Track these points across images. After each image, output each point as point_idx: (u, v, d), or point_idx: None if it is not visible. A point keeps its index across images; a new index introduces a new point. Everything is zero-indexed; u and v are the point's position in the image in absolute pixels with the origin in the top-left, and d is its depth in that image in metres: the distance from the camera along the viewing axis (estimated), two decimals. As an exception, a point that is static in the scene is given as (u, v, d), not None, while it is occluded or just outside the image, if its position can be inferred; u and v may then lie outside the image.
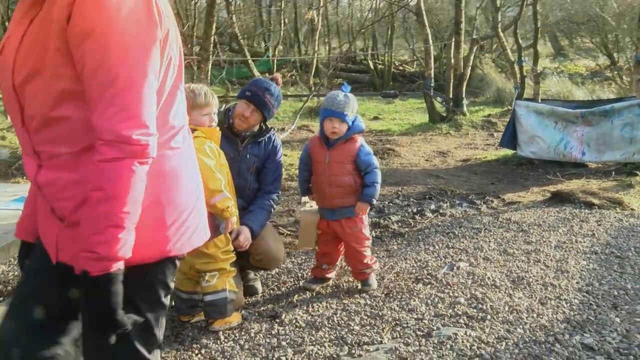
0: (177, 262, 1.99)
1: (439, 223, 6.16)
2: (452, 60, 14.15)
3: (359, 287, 4.42)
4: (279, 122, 13.74)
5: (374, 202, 4.29)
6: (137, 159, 1.66)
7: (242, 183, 4.07)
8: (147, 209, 1.78)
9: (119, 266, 1.68)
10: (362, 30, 23.56)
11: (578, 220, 6.14)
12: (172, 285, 2.01)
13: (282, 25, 21.57)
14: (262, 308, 4.11)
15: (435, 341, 3.61)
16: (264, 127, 4.22)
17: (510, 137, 9.39)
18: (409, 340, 3.63)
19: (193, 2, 14.93)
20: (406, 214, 6.48)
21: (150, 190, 1.79)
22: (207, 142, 3.62)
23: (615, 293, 4.32)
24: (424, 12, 13.61)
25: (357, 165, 4.23)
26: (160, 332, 1.99)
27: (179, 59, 1.87)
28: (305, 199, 4.57)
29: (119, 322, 1.72)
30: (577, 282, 4.52)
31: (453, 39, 14.15)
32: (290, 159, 9.19)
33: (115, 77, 1.64)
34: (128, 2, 1.66)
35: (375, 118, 14.83)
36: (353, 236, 4.32)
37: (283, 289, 4.46)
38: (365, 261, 4.35)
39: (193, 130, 3.66)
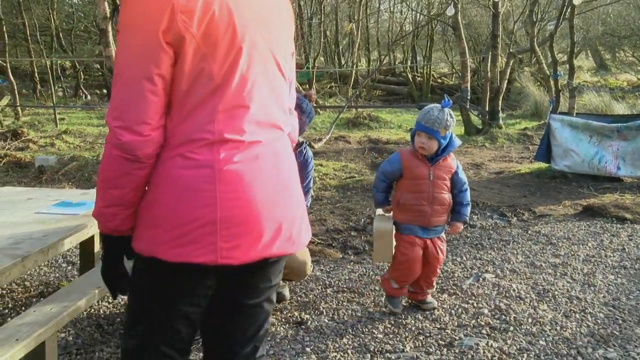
0: (183, 274, 1.92)
1: (468, 235, 6.14)
2: (489, 74, 14.08)
3: (422, 306, 4.27)
4: (317, 132, 13.78)
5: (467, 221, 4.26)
6: (119, 151, 1.79)
7: None
8: (147, 204, 1.90)
9: (109, 231, 1.94)
10: (398, 42, 23.55)
11: (609, 234, 6.08)
12: (162, 292, 1.97)
13: (322, 37, 21.68)
14: (289, 314, 4.15)
15: (457, 351, 3.62)
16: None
17: (545, 151, 9.28)
18: (431, 350, 3.64)
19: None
20: (437, 225, 6.48)
21: (153, 188, 1.88)
22: None
23: (642, 308, 4.28)
24: (461, 25, 13.56)
25: (452, 182, 4.08)
26: (139, 327, 2.02)
27: (224, 72, 1.84)
28: (379, 211, 4.33)
29: (105, 275, 2.05)
30: (604, 296, 4.48)
31: (490, 53, 14.08)
32: (325, 169, 9.23)
33: (117, 73, 1.80)
34: (141, 4, 1.76)
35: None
36: (440, 253, 4.14)
37: (310, 296, 4.49)
38: (434, 280, 4.26)
39: None
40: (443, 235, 4.19)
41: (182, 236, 1.83)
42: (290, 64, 2.19)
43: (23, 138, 11.29)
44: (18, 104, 15.02)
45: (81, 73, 20.27)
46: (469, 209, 4.17)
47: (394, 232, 4.14)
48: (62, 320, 3.05)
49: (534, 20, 11.76)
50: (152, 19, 1.74)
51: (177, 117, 1.85)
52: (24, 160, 9.45)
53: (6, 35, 16.65)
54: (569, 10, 10.11)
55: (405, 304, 4.30)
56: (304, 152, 4.26)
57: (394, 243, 4.16)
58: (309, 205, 4.40)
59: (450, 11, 12.84)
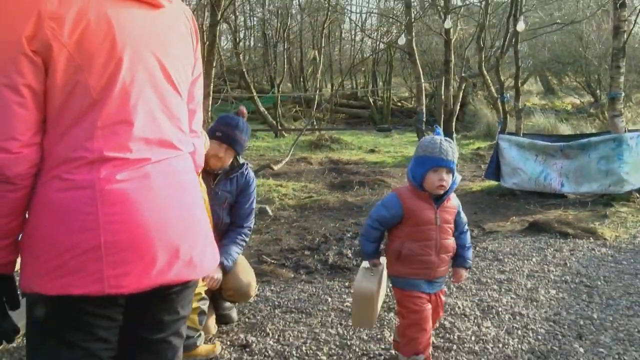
0: (71, 308, 1.63)
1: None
2: (443, 97, 14.04)
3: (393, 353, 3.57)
4: (281, 154, 13.56)
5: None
6: None
7: (215, 219, 3.87)
8: (27, 234, 1.63)
9: None
10: (358, 68, 23.56)
11: (552, 249, 5.93)
12: (56, 331, 1.66)
13: (286, 63, 21.58)
14: (235, 337, 3.91)
15: (399, 372, 3.41)
16: (235, 163, 4.02)
17: (495, 169, 9.21)
18: (373, 371, 3.43)
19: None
20: (389, 243, 6.27)
21: (31, 215, 1.62)
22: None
23: (582, 322, 4.11)
24: (415, 52, 13.49)
25: (455, 224, 3.34)
26: None
27: (103, 86, 1.60)
28: (365, 263, 3.58)
29: None
30: (545, 312, 4.30)
31: (443, 77, 14.05)
32: (285, 189, 9.02)
33: None
34: (4, 8, 1.53)
35: (371, 151, 14.65)
36: (440, 308, 3.46)
37: (258, 317, 4.25)
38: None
39: None
40: (444, 287, 3.53)
41: (62, 265, 1.56)
42: (196, 84, 1.97)
43: None
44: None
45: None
46: (471, 252, 3.50)
47: (393, 290, 3.48)
48: None
49: (482, 46, 11.71)
50: (15, 24, 1.50)
51: (54, 135, 1.60)
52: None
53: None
54: (513, 37, 10.05)
55: (351, 324, 4.08)
56: (246, 173, 4.02)
57: (379, 306, 3.56)
58: (251, 226, 4.14)
59: (401, 40, 12.79)
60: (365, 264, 3.58)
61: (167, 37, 1.78)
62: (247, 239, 4.05)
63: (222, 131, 3.78)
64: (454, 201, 3.34)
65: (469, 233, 3.44)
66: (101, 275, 1.57)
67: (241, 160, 4.03)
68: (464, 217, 3.42)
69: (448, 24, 12.74)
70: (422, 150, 3.21)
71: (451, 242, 3.29)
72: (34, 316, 1.68)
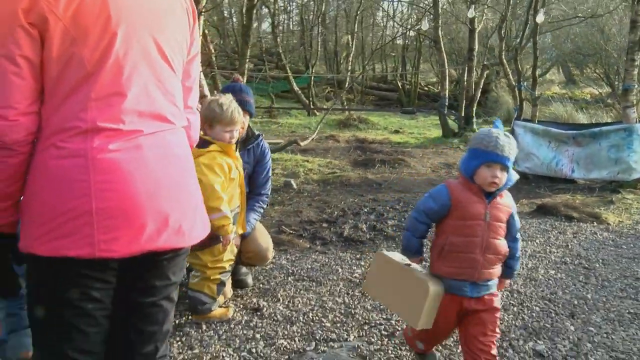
0: (66, 269, 1.62)
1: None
2: (465, 83, 13.86)
3: None
4: (311, 131, 13.51)
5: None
6: None
7: None
8: (26, 199, 1.64)
9: None
10: (388, 54, 23.28)
11: (556, 231, 5.83)
12: (52, 291, 1.66)
13: (321, 47, 21.46)
14: (248, 301, 3.91)
15: (397, 341, 3.38)
16: (250, 133, 3.99)
17: (509, 153, 9.09)
18: (373, 340, 3.40)
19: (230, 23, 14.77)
20: (402, 219, 6.21)
21: (30, 181, 1.63)
22: (219, 158, 3.40)
23: (576, 302, 4.04)
24: (441, 39, 13.30)
25: (507, 226, 2.84)
26: (44, 337, 1.72)
27: (97, 58, 1.59)
28: (397, 255, 3.03)
29: None
30: (542, 290, 4.23)
31: (467, 64, 13.85)
32: (310, 165, 8.99)
33: None
34: None
35: (396, 131, 14.55)
36: (492, 317, 2.80)
37: (272, 283, 4.26)
38: (493, 352, 2.77)
39: (209, 143, 3.46)
40: (495, 290, 2.87)
41: (56, 229, 1.56)
42: (193, 63, 1.94)
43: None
44: None
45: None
46: (519, 263, 3.01)
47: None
48: None
49: (502, 36, 11.50)
50: None
51: (51, 105, 1.59)
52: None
53: None
54: (533, 28, 9.85)
55: (358, 294, 4.06)
56: (261, 144, 4.00)
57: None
58: (268, 193, 4.11)
59: (425, 25, 12.59)
60: (397, 256, 3.03)
61: (163, 16, 1.75)
62: (264, 206, 4.07)
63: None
64: (507, 199, 2.85)
65: (520, 242, 2.95)
66: (92, 239, 1.57)
67: (256, 132, 4.01)
68: (517, 222, 2.90)
69: (472, 13, 12.51)
70: (476, 142, 2.76)
71: (501, 243, 2.78)
72: (31, 276, 1.69)
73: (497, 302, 2.83)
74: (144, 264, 1.72)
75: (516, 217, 2.87)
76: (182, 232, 1.73)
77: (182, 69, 1.88)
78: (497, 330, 2.82)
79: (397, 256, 2.99)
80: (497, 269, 2.81)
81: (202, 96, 5.51)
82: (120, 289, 1.76)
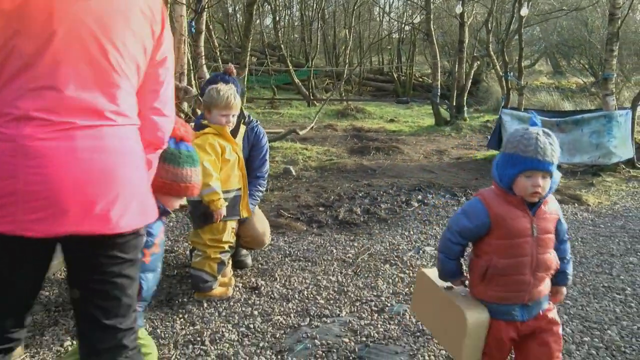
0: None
1: (420, 212, 5.89)
2: (456, 74, 13.82)
3: None
4: (311, 121, 13.48)
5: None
6: None
7: None
8: None
9: None
10: (385, 47, 23.17)
11: (539, 213, 5.83)
12: None
13: (320, 41, 21.38)
14: (247, 280, 3.94)
15: (386, 317, 3.41)
16: (240, 115, 3.95)
17: (497, 140, 9.08)
18: (363, 315, 3.43)
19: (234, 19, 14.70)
20: (395, 203, 6.21)
21: None
22: (211, 139, 3.48)
23: (555, 279, 4.05)
24: (433, 32, 13.25)
25: (555, 232, 2.37)
26: None
27: (35, 51, 1.63)
28: (434, 277, 2.60)
29: None
30: (524, 269, 4.25)
31: (457, 56, 13.81)
32: (309, 152, 8.97)
33: None
34: None
35: (391, 120, 14.49)
36: (555, 335, 2.36)
37: (270, 263, 4.27)
38: None
39: (206, 126, 3.53)
40: (549, 304, 2.42)
41: None
42: (161, 67, 1.94)
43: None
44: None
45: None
46: (572, 265, 2.54)
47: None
48: None
49: (489, 29, 11.46)
50: None
51: None
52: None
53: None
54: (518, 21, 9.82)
55: (351, 273, 4.08)
56: (255, 128, 3.97)
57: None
58: (265, 176, 4.04)
59: (458, 9, 12.51)
60: (434, 277, 2.62)
61: (113, 21, 1.76)
62: (262, 189, 4.02)
63: None
64: (552, 204, 2.36)
65: (569, 243, 2.49)
66: (14, 218, 1.62)
67: (245, 112, 3.97)
68: (564, 224, 2.44)
69: (459, 9, 12.46)
70: (512, 146, 2.25)
71: (551, 256, 2.32)
72: None
73: (555, 315, 2.40)
74: (88, 245, 1.76)
75: (563, 220, 2.42)
76: (108, 218, 1.73)
77: (142, 73, 1.88)
78: (561, 345, 2.41)
79: (455, 296, 2.47)
80: (548, 283, 2.38)
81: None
82: (71, 268, 1.84)
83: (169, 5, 7.37)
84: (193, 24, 7.24)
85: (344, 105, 15.78)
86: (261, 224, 4.08)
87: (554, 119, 8.57)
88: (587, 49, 19.29)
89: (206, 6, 7.03)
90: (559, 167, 7.88)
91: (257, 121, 4.04)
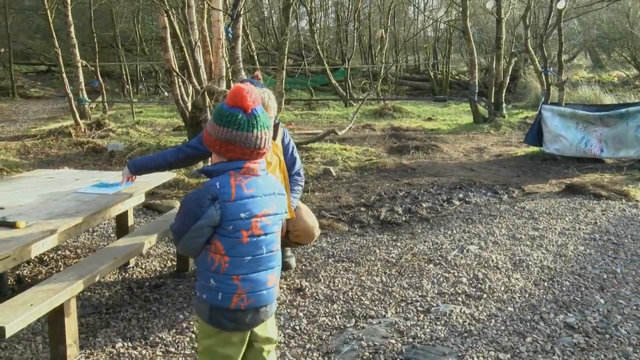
0: None
1: (462, 210, 5.80)
2: (494, 71, 13.61)
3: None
4: (349, 121, 13.44)
5: None
6: None
7: None
8: None
9: None
10: (409, 42, 22.96)
11: (585, 209, 5.68)
12: None
13: (356, 41, 21.29)
14: (291, 282, 3.92)
15: (432, 317, 3.35)
16: None
17: (535, 135, 8.89)
18: (409, 316, 3.37)
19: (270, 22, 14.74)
20: (436, 202, 6.14)
21: None
22: None
23: (605, 276, 3.94)
24: (469, 30, 13.06)
25: None
26: None
27: None
28: None
29: None
30: (572, 266, 4.14)
31: (495, 53, 13.59)
32: (348, 153, 8.94)
33: None
34: None
35: (429, 119, 14.35)
36: None
37: (314, 265, 4.25)
38: None
39: None
40: None
41: None
42: None
43: (105, 128, 11.27)
44: (105, 100, 15.14)
45: (160, 74, 20.19)
46: None
47: None
48: (77, 287, 2.86)
49: (527, 24, 11.24)
50: None
51: None
52: (100, 146, 9.39)
53: (97, 45, 16.75)
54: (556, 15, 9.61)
55: (395, 273, 4.02)
56: (278, 131, 3.89)
57: None
58: (300, 172, 3.93)
59: (490, 4, 12.34)
60: None
61: None
62: (301, 184, 3.94)
63: None
64: None
65: None
66: None
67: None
68: None
69: (490, 4, 12.27)
70: None
71: None
72: None
73: None
74: None
75: None
76: None
77: None
78: None
79: None
80: None
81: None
82: None
83: (205, 11, 7.42)
84: (230, 29, 7.27)
85: (381, 105, 15.68)
86: (309, 217, 4.03)
87: (598, 112, 8.35)
88: (630, 40, 18.80)
89: (241, 12, 7.05)
90: (603, 161, 7.73)
91: (279, 122, 3.98)
